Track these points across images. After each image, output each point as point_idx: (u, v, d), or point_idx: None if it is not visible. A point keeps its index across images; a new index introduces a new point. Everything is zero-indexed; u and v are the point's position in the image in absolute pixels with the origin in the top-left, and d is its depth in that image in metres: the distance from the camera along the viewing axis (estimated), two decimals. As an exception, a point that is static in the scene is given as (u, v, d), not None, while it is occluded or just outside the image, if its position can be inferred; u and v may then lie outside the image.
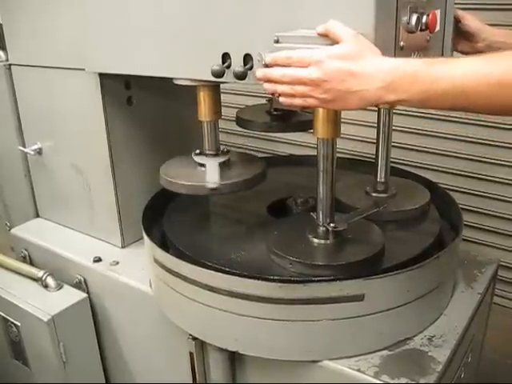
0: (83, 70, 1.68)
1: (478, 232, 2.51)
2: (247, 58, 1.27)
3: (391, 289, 1.36)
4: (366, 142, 2.54)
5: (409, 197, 1.76)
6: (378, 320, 1.37)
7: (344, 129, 1.40)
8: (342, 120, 1.36)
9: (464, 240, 1.70)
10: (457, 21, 1.46)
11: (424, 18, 1.20)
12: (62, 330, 1.79)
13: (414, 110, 2.42)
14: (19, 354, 1.96)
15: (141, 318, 1.79)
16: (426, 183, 1.87)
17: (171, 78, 1.49)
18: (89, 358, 1.94)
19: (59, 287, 1.88)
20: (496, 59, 0.97)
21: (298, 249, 1.45)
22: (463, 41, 1.49)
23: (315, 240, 1.48)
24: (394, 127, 1.73)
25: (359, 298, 1.33)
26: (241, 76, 1.27)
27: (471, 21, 1.48)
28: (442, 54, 1.41)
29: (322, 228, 1.47)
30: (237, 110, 1.95)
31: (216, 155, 1.63)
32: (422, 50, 1.27)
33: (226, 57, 1.31)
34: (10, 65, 2.03)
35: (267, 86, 1.12)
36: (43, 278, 1.88)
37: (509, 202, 2.40)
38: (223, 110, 1.61)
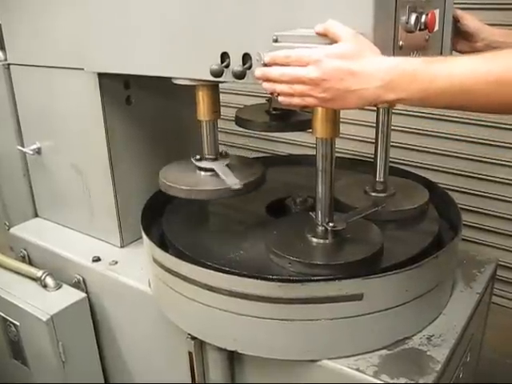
0: (82, 69, 1.68)
1: (477, 232, 2.51)
2: (246, 58, 1.27)
3: (390, 288, 1.37)
4: (365, 141, 2.55)
5: (408, 196, 1.76)
6: (376, 319, 1.37)
7: (343, 128, 1.40)
8: (341, 120, 1.36)
9: (463, 240, 1.70)
10: (456, 20, 1.46)
11: (423, 18, 1.20)
12: (60, 329, 1.79)
13: (413, 109, 2.43)
14: (18, 353, 1.96)
15: (140, 318, 1.79)
16: (425, 183, 1.87)
17: (170, 78, 1.49)
18: (88, 357, 1.94)
19: (58, 287, 1.88)
20: (495, 57, 0.97)
21: (297, 248, 1.45)
22: (462, 40, 1.49)
23: (314, 239, 1.48)
24: (392, 127, 1.73)
25: (358, 297, 1.33)
26: (240, 75, 1.27)
27: (470, 20, 1.48)
28: (441, 54, 1.41)
29: (320, 227, 1.47)
30: (236, 109, 1.95)
31: (216, 159, 1.64)
32: (421, 50, 1.27)
33: (224, 56, 1.31)
34: (8, 64, 2.03)
35: (266, 85, 1.12)
36: (42, 277, 1.88)
37: (508, 202, 2.41)
38: (222, 109, 1.61)
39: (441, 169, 2.52)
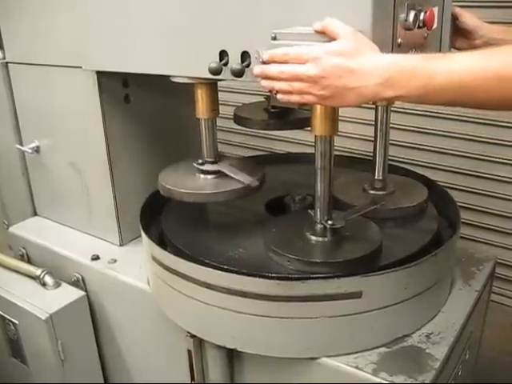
0: (80, 67, 1.68)
1: (475, 230, 2.51)
2: (245, 56, 1.27)
3: (389, 286, 1.37)
4: (364, 139, 2.55)
5: (407, 194, 1.76)
6: (375, 317, 1.37)
7: (342, 126, 1.40)
8: (340, 118, 1.36)
9: (462, 238, 1.70)
10: (454, 18, 1.46)
11: (422, 15, 1.20)
12: (60, 328, 1.79)
13: (412, 107, 2.42)
14: (17, 352, 1.96)
15: (139, 316, 1.79)
16: (424, 181, 1.87)
17: (169, 76, 1.49)
18: (87, 356, 1.94)
19: (57, 285, 1.88)
20: (493, 54, 0.97)
21: (296, 246, 1.45)
22: (461, 38, 1.50)
23: (313, 237, 1.48)
24: (391, 125, 1.73)
25: (357, 295, 1.33)
26: (238, 73, 1.27)
27: (469, 18, 1.48)
28: (440, 51, 1.41)
29: (319, 225, 1.47)
30: (234, 107, 1.95)
31: (216, 161, 1.64)
32: (419, 47, 1.27)
33: (223, 54, 1.31)
34: (7, 63, 2.03)
35: (264, 82, 1.12)
36: (41, 276, 1.88)
37: (507, 199, 2.41)
38: (221, 107, 1.61)
39: (439, 167, 2.52)
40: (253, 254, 1.52)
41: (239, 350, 1.46)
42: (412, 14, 1.17)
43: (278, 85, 1.10)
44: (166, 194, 1.60)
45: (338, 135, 1.38)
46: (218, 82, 1.52)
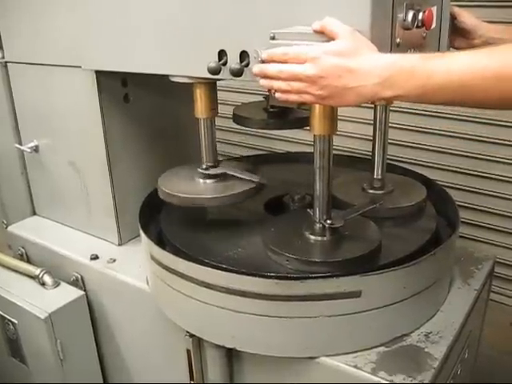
0: (80, 67, 1.68)
1: (474, 229, 2.51)
2: (243, 55, 1.27)
3: (388, 285, 1.37)
4: (363, 139, 2.55)
5: (405, 194, 1.76)
6: (374, 316, 1.38)
7: (340, 126, 1.40)
8: (339, 117, 1.36)
9: (461, 237, 1.70)
10: (453, 18, 1.46)
11: (420, 15, 1.20)
12: (59, 327, 1.79)
13: (410, 106, 2.42)
14: (16, 351, 1.96)
15: (138, 316, 1.79)
16: (423, 180, 1.87)
17: (168, 76, 1.50)
18: (86, 355, 1.94)
19: (56, 285, 1.88)
20: (492, 53, 0.97)
21: (295, 245, 1.45)
22: (460, 37, 1.50)
23: (312, 237, 1.48)
24: (390, 124, 1.73)
25: (356, 294, 1.33)
26: (237, 73, 1.27)
27: (467, 18, 1.48)
28: (439, 51, 1.41)
29: (318, 225, 1.47)
30: (233, 107, 1.95)
31: (215, 166, 1.66)
32: (418, 47, 1.27)
33: (222, 54, 1.31)
34: (6, 62, 2.03)
35: (263, 82, 1.12)
36: (40, 275, 1.88)
37: (505, 198, 2.41)
38: (220, 107, 1.61)
39: (437, 166, 2.52)
40: (252, 253, 1.52)
41: (238, 349, 1.46)
42: (410, 14, 1.17)
43: (276, 84, 1.10)
44: (175, 203, 1.61)
45: (337, 134, 1.38)
46: (217, 82, 1.52)
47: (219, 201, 1.58)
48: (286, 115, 1.82)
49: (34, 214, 2.26)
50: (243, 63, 1.27)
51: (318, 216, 1.46)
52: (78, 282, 1.91)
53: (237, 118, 1.89)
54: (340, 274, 1.33)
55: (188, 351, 1.58)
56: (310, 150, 1.48)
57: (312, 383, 1.42)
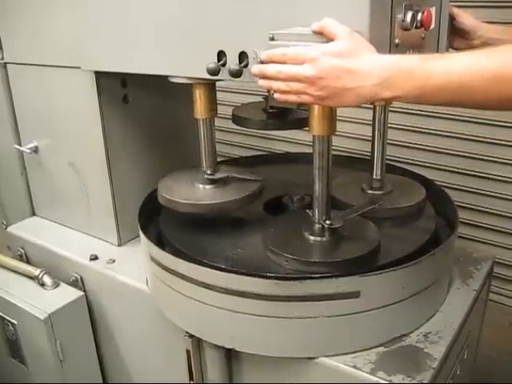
0: (79, 68, 1.68)
1: (473, 229, 2.51)
2: (242, 56, 1.28)
3: (387, 286, 1.37)
4: (362, 139, 2.55)
5: (404, 194, 1.76)
6: (373, 317, 1.38)
7: (339, 126, 1.40)
8: (338, 118, 1.36)
9: (460, 237, 1.70)
10: (452, 18, 1.46)
11: (419, 16, 1.21)
12: (58, 328, 1.79)
13: (409, 106, 2.42)
14: (16, 352, 1.96)
15: (137, 316, 1.79)
16: (422, 180, 1.88)
17: (167, 76, 1.50)
18: (86, 356, 1.94)
19: (56, 285, 1.88)
20: (491, 54, 0.97)
21: (294, 246, 1.46)
22: (459, 38, 1.50)
23: (311, 237, 1.48)
24: (389, 125, 1.73)
25: (355, 294, 1.33)
26: (236, 74, 1.27)
27: (466, 18, 1.48)
28: (438, 52, 1.41)
29: (317, 225, 1.47)
30: (233, 107, 1.95)
31: (216, 170, 1.68)
32: (417, 48, 1.27)
33: (221, 55, 1.31)
34: (5, 63, 2.03)
35: (262, 82, 1.12)
36: (40, 276, 1.88)
37: (504, 199, 2.41)
38: (219, 108, 1.62)
39: (434, 166, 2.52)
40: (251, 253, 1.52)
41: (237, 349, 1.47)
42: (409, 15, 1.17)
43: (275, 84, 1.10)
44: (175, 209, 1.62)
45: (336, 135, 1.39)
46: (216, 82, 1.52)
47: (219, 207, 1.60)
48: (285, 116, 1.82)
49: (34, 214, 2.26)
50: (242, 64, 1.27)
51: (317, 216, 1.46)
52: (78, 283, 1.91)
53: (236, 119, 1.89)
54: (339, 274, 1.34)
55: (187, 351, 1.58)
56: (309, 150, 1.48)
57: (311, 383, 1.42)
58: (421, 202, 1.73)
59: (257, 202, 1.78)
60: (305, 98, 1.08)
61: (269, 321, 1.37)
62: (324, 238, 1.47)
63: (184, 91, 1.56)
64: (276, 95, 1.12)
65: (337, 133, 1.38)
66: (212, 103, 1.57)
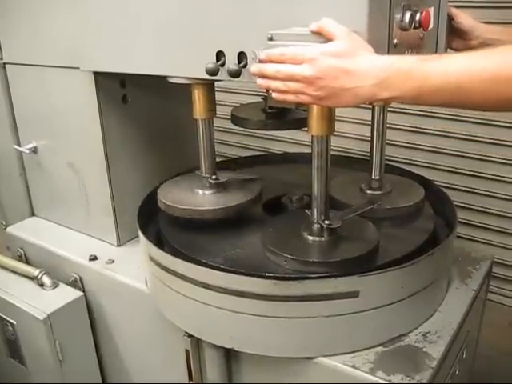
0: (78, 68, 1.68)
1: (472, 229, 2.51)
2: (241, 56, 1.28)
3: (386, 285, 1.37)
4: (361, 139, 2.55)
5: (403, 194, 1.76)
6: (372, 316, 1.38)
7: (338, 126, 1.40)
8: (336, 118, 1.36)
9: (458, 237, 1.70)
10: (450, 18, 1.46)
11: (417, 16, 1.21)
12: (58, 328, 1.79)
13: (407, 106, 2.43)
14: (15, 352, 1.96)
15: (137, 316, 1.80)
16: (421, 180, 1.88)
17: (166, 77, 1.50)
18: (85, 356, 1.94)
19: (55, 286, 1.88)
20: (490, 54, 0.97)
21: (293, 246, 1.46)
22: (457, 38, 1.50)
23: (310, 237, 1.48)
24: (388, 125, 1.73)
25: (354, 294, 1.33)
26: (235, 74, 1.27)
27: (464, 18, 1.48)
28: (436, 52, 1.41)
29: (316, 225, 1.47)
30: (231, 108, 1.95)
31: (215, 173, 1.69)
32: (415, 48, 1.27)
33: (220, 55, 1.32)
34: (4, 63, 2.03)
35: (261, 81, 1.12)
36: (39, 276, 1.88)
37: (503, 199, 2.41)
38: (218, 108, 1.62)
39: (432, 166, 2.52)
40: (250, 253, 1.52)
41: (237, 349, 1.47)
42: (408, 15, 1.17)
43: (274, 84, 1.10)
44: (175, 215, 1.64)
45: (335, 135, 1.39)
46: (215, 83, 1.53)
47: (218, 212, 1.61)
48: (284, 116, 1.82)
49: (33, 214, 2.26)
50: (241, 64, 1.27)
51: (315, 216, 1.46)
52: (77, 283, 1.91)
53: (235, 119, 1.89)
54: (338, 274, 1.34)
55: (187, 351, 1.58)
56: (307, 150, 1.48)
57: (310, 383, 1.42)
58: (419, 202, 1.73)
59: (256, 202, 1.78)
60: (303, 98, 1.08)
61: (268, 321, 1.37)
62: (323, 238, 1.47)
63: (183, 91, 1.56)
64: (274, 95, 1.12)
65: (336, 133, 1.38)
66: (211, 103, 1.58)
